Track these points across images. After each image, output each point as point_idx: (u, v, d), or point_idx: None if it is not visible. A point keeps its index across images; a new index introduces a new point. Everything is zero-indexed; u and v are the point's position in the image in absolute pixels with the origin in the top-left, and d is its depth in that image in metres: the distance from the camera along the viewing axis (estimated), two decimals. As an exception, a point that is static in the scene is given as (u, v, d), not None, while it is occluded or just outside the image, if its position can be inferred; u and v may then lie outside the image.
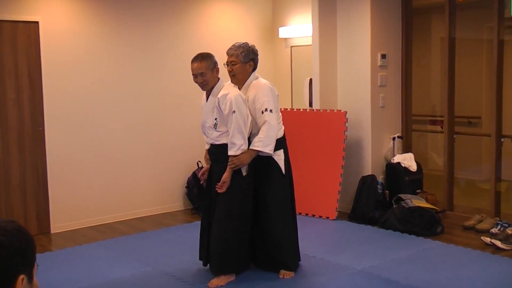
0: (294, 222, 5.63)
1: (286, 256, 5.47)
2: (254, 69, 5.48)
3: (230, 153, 5.10)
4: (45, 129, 7.13)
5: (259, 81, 5.44)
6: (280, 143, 5.43)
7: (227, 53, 5.44)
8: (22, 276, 1.81)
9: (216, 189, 5.18)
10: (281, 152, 5.45)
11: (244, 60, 5.36)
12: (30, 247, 1.88)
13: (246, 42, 5.48)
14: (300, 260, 5.65)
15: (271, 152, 5.21)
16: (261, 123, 5.22)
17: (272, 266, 5.53)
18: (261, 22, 9.09)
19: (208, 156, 5.57)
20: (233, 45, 5.44)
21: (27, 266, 1.85)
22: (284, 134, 5.54)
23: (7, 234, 1.81)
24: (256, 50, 5.50)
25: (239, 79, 5.37)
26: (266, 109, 5.23)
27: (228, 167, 5.13)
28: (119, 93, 7.71)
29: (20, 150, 7.01)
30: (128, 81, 7.78)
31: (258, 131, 5.23)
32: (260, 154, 5.22)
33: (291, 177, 5.61)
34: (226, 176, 5.14)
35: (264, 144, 5.15)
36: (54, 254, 6.32)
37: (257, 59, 5.51)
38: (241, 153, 5.11)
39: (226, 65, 5.41)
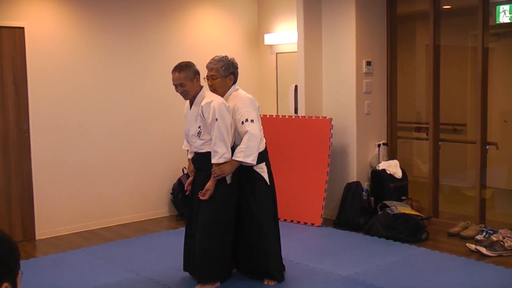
0: (278, 232, 5.61)
1: (271, 265, 5.44)
2: (234, 82, 5.46)
3: (213, 161, 5.08)
4: (30, 135, 7.10)
5: (239, 92, 5.42)
6: (262, 156, 5.41)
7: (207, 67, 5.40)
8: (5, 285, 1.78)
9: (199, 196, 5.16)
10: (263, 165, 5.43)
11: (225, 74, 5.34)
12: (14, 255, 1.85)
13: (225, 56, 5.44)
14: (284, 270, 5.62)
15: (253, 163, 5.18)
16: (242, 133, 5.20)
17: (256, 275, 5.52)
18: (246, 29, 9.10)
19: (192, 167, 5.56)
20: (212, 59, 5.41)
21: (11, 275, 1.83)
22: (265, 147, 5.50)
23: None
24: (236, 63, 5.47)
25: (220, 93, 5.33)
26: (246, 120, 5.20)
27: (212, 178, 5.12)
28: (104, 99, 7.69)
29: (5, 156, 6.97)
30: (113, 88, 7.76)
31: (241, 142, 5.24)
32: (243, 164, 5.21)
33: (274, 188, 5.59)
34: (209, 184, 5.12)
35: (246, 154, 5.12)
36: (38, 260, 6.28)
37: (237, 72, 5.48)
38: (224, 162, 5.09)
39: (206, 79, 5.39)
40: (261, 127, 5.44)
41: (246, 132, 5.17)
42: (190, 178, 5.53)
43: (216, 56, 5.43)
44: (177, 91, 5.21)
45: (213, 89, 5.34)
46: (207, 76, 5.39)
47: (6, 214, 7.01)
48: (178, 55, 5.36)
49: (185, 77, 5.11)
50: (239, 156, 5.12)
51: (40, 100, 7.15)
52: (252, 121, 5.21)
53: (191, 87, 5.16)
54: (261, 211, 5.39)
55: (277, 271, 5.50)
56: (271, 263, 5.44)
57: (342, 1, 7.63)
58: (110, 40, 7.71)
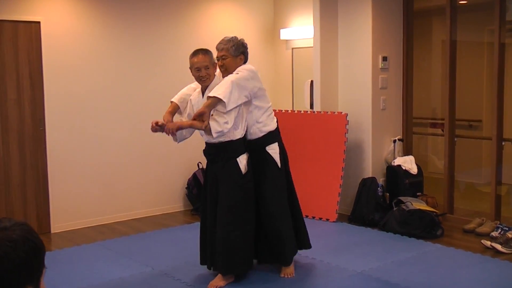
0: (299, 213, 5.67)
1: (284, 248, 5.45)
2: (245, 62, 5.45)
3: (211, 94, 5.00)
4: (45, 130, 7.13)
5: (239, 68, 5.36)
6: (274, 136, 5.43)
7: (217, 48, 5.40)
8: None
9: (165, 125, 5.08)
10: (275, 146, 5.43)
11: (235, 54, 5.34)
12: (38, 256, 1.81)
13: (235, 36, 5.45)
14: (295, 253, 5.64)
15: (222, 97, 4.93)
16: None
17: (269, 258, 5.56)
18: (262, 24, 9.09)
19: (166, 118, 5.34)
20: (222, 40, 5.41)
21: (34, 276, 1.79)
22: (277, 126, 5.51)
23: (13, 245, 1.73)
24: (246, 44, 5.48)
25: (230, 72, 5.29)
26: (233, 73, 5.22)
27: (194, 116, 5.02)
28: (120, 93, 7.71)
29: (20, 150, 7.01)
30: (129, 82, 7.78)
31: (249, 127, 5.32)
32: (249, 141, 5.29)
33: (288, 170, 5.59)
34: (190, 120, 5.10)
35: (214, 91, 4.99)
36: (53, 254, 6.31)
37: (247, 52, 5.48)
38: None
39: (216, 60, 5.37)
40: (271, 105, 5.48)
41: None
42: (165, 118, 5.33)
43: (225, 37, 5.44)
44: (198, 75, 5.18)
45: (224, 69, 5.33)
46: (217, 56, 5.37)
47: (21, 208, 7.05)
48: (194, 50, 5.34)
49: (209, 60, 5.18)
50: (210, 94, 5.01)
51: (55, 94, 7.18)
52: (237, 73, 5.19)
53: (212, 72, 5.21)
54: (274, 195, 5.39)
55: (290, 254, 5.53)
56: (283, 246, 5.44)
57: (358, -4, 7.61)
58: (125, 35, 7.73)
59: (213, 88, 5.11)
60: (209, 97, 4.99)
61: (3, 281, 1.70)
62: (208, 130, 5.00)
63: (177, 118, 5.44)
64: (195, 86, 5.47)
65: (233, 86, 5.02)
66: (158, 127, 5.15)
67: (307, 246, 5.75)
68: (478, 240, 6.48)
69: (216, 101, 4.97)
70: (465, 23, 7.89)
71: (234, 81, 5.05)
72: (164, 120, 5.27)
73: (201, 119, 4.95)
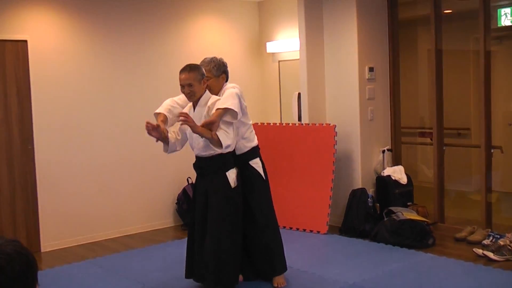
0: (277, 225, 5.76)
1: (274, 258, 5.57)
2: (226, 80, 5.60)
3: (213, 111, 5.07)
4: (34, 147, 7.10)
5: (227, 86, 5.50)
6: (256, 151, 5.59)
7: None
8: None
9: (180, 118, 5.03)
10: (257, 160, 5.59)
11: (217, 74, 5.48)
12: (32, 270, 1.82)
13: (214, 56, 5.60)
14: (285, 263, 5.71)
15: (233, 107, 5.06)
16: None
17: (262, 274, 5.62)
18: (248, 37, 9.10)
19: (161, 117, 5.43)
20: (203, 61, 5.53)
21: None
22: (257, 143, 5.65)
23: (7, 258, 1.74)
24: (226, 62, 5.62)
25: (215, 92, 5.43)
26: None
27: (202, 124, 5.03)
28: (108, 110, 7.69)
29: (9, 169, 6.98)
30: (117, 98, 7.77)
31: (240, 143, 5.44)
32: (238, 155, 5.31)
33: (268, 183, 5.71)
34: (202, 123, 5.05)
35: (222, 103, 5.09)
36: (44, 273, 6.27)
37: (227, 70, 5.62)
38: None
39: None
40: (251, 123, 5.63)
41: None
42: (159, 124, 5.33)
43: (205, 58, 5.57)
44: (183, 91, 5.23)
45: (208, 89, 5.39)
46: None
47: (11, 227, 7.00)
48: (181, 63, 5.36)
49: (194, 78, 5.17)
50: (218, 106, 5.08)
51: (43, 112, 7.16)
52: (232, 88, 5.34)
53: (198, 88, 5.20)
54: (261, 206, 5.55)
55: (281, 264, 5.63)
56: (275, 258, 5.58)
57: (343, 7, 7.63)
58: (113, 49, 7.72)
59: (203, 102, 5.21)
60: (218, 109, 5.05)
61: None
62: (215, 141, 5.04)
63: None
64: (178, 99, 5.56)
65: (238, 98, 5.18)
66: (153, 126, 5.16)
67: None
68: (470, 248, 6.48)
69: (226, 112, 5.08)
70: (450, 31, 7.93)
71: (238, 93, 5.22)
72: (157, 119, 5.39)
73: (209, 127, 5.00)
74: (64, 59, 7.34)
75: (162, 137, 5.28)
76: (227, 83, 5.57)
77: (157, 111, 5.53)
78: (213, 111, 5.07)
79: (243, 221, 5.42)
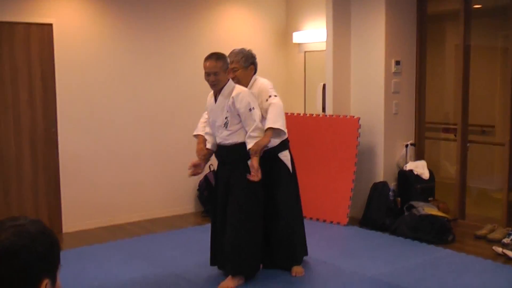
0: (302, 217, 5.83)
1: (295, 248, 5.65)
2: (255, 72, 5.64)
3: (249, 146, 5.15)
4: (57, 130, 7.16)
5: (259, 79, 5.60)
6: (285, 144, 5.62)
7: None
8: (46, 281, 1.76)
9: (249, 178, 5.15)
10: (287, 153, 5.64)
11: (245, 65, 5.53)
12: (54, 250, 1.84)
13: (243, 48, 5.64)
14: (307, 254, 5.84)
15: (282, 128, 5.27)
16: (267, 108, 5.36)
17: (277, 262, 5.67)
18: (275, 27, 9.09)
19: (202, 150, 5.60)
20: (231, 52, 5.57)
21: (51, 270, 1.81)
22: (287, 136, 5.66)
23: (30, 238, 1.75)
24: (254, 54, 5.66)
25: (243, 83, 5.47)
26: (270, 96, 5.41)
27: (253, 156, 5.13)
28: (132, 95, 7.73)
29: (32, 151, 7.05)
30: (140, 84, 7.80)
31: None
32: (273, 137, 5.32)
33: (296, 176, 5.76)
34: (254, 164, 5.12)
35: (273, 121, 5.23)
36: (65, 254, 6.23)
37: (256, 62, 5.66)
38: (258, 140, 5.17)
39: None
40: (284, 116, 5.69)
41: (270, 104, 5.33)
42: (197, 161, 5.59)
43: (234, 49, 5.62)
44: (208, 79, 5.24)
45: (237, 81, 5.44)
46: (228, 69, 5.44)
47: (33, 208, 7.08)
48: (205, 53, 5.35)
49: (220, 67, 5.19)
50: (268, 124, 5.22)
51: (68, 95, 7.21)
52: (275, 96, 5.42)
53: (223, 77, 5.22)
54: (286, 198, 5.59)
55: (301, 255, 5.76)
56: (296, 249, 5.66)
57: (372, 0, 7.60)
58: (137, 36, 7.75)
59: (227, 92, 5.23)
60: (269, 129, 5.20)
61: (21, 273, 1.71)
62: (256, 142, 5.17)
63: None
64: (205, 114, 5.71)
65: (283, 112, 5.37)
66: (196, 166, 5.55)
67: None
68: (490, 246, 6.45)
69: (274, 132, 5.26)
70: (479, 28, 7.88)
71: (281, 106, 5.37)
72: (199, 154, 5.59)
73: (261, 148, 5.18)
74: (88, 44, 7.38)
75: (208, 158, 5.61)
76: (256, 75, 5.61)
77: (195, 132, 5.72)
78: (243, 108, 5.15)
79: (266, 212, 5.46)
